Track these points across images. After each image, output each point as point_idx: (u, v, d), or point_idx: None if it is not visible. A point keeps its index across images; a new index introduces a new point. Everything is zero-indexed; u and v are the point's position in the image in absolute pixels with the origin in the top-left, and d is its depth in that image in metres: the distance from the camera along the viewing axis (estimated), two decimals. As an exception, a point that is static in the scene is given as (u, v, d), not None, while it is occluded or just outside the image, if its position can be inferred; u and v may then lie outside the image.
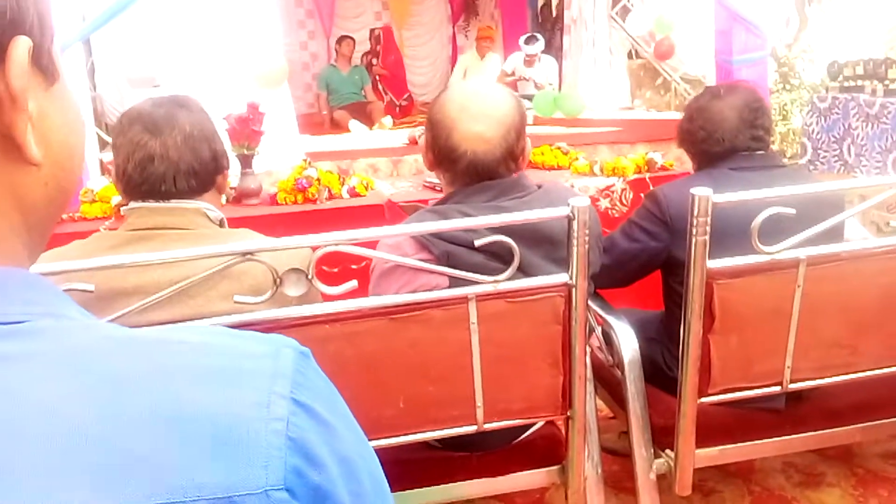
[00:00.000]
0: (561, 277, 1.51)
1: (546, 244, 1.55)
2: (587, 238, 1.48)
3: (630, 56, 7.65)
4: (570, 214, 1.46)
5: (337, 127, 6.63)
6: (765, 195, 1.55)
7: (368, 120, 6.68)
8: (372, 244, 1.54)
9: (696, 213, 1.51)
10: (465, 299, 1.48)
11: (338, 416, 0.52)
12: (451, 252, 1.49)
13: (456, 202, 1.56)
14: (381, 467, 0.58)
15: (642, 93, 7.55)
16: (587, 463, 1.75)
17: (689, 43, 6.98)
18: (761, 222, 1.52)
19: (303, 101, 7.99)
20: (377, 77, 7.71)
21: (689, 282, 1.57)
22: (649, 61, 7.32)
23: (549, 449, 1.79)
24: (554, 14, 8.62)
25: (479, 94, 1.58)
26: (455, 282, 1.49)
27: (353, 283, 1.49)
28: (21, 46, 0.46)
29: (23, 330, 0.45)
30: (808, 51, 6.79)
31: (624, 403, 1.86)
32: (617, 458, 2.33)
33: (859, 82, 4.57)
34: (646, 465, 1.81)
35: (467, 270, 1.46)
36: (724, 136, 1.90)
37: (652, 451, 1.82)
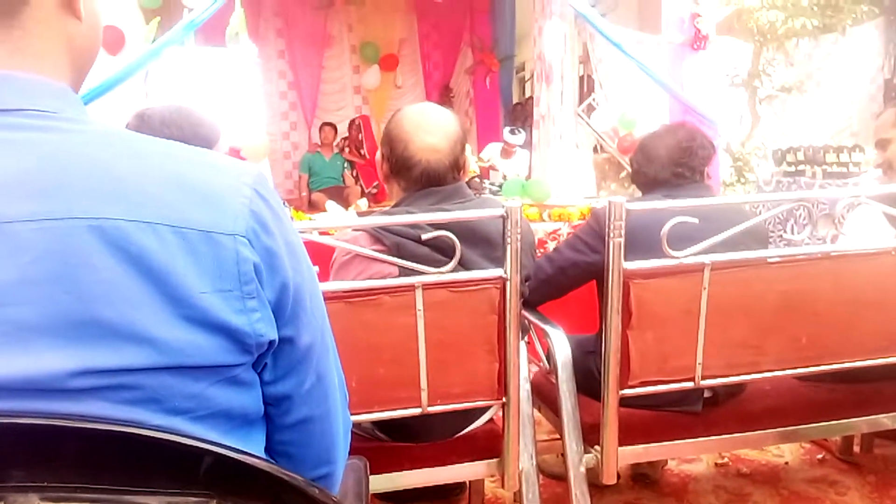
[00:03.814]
0: (497, 272, 1.73)
1: (483, 244, 1.78)
2: (520, 236, 1.71)
3: (595, 150, 8.06)
4: (505, 214, 1.69)
5: (314, 208, 6.91)
6: (671, 205, 1.80)
7: (345, 202, 6.98)
8: (332, 241, 1.76)
9: (612, 217, 1.75)
10: (412, 287, 1.68)
11: (284, 216, 0.76)
12: (400, 243, 1.72)
13: (405, 206, 1.80)
14: (311, 264, 0.80)
15: (607, 184, 7.92)
16: (523, 454, 1.92)
17: (650, 139, 7.43)
18: (675, 232, 1.76)
19: (282, 187, 8.33)
20: (352, 163, 8.08)
21: (608, 280, 1.79)
22: (613, 155, 7.73)
23: (489, 442, 1.96)
24: (526, 113, 9.12)
25: (429, 112, 1.85)
26: (404, 272, 1.70)
27: (315, 269, 1.70)
28: None
29: (75, 119, 0.68)
30: (762, 147, 7.24)
31: (559, 411, 2.05)
32: (560, 482, 2.48)
33: (801, 167, 4.94)
34: (576, 458, 1.98)
35: (415, 261, 1.69)
36: (649, 170, 2.18)
37: (582, 446, 1.99)
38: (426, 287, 1.69)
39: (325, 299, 1.66)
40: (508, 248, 1.71)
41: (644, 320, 1.83)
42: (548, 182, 6.95)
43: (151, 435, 0.59)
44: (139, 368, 0.62)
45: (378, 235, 1.73)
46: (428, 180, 1.80)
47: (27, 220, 0.60)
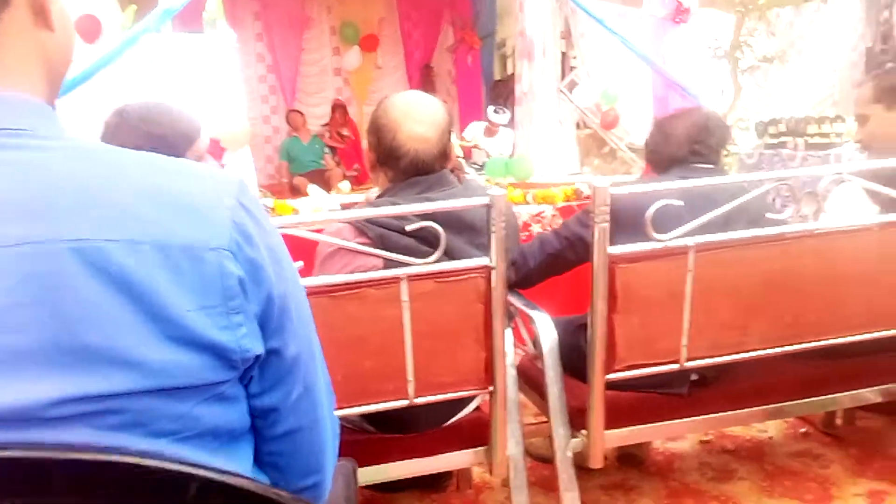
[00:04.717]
0: (482, 260, 1.72)
1: (468, 231, 1.77)
2: (504, 224, 1.71)
3: (578, 126, 8.05)
4: (489, 202, 1.69)
5: (296, 192, 6.87)
6: (655, 188, 1.80)
7: (327, 185, 6.96)
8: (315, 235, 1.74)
9: (596, 202, 1.75)
10: (397, 279, 1.67)
11: (265, 222, 0.75)
12: (384, 235, 1.70)
13: (390, 196, 1.79)
14: (296, 272, 0.79)
15: (590, 160, 7.93)
16: (510, 441, 1.93)
17: (633, 113, 7.43)
18: (664, 216, 1.76)
19: (264, 172, 8.26)
20: (333, 148, 8.03)
21: (593, 265, 1.79)
22: (596, 131, 7.73)
23: (476, 430, 1.96)
24: (508, 90, 9.08)
25: (417, 100, 1.83)
26: (389, 264, 1.69)
27: (300, 264, 1.69)
28: None
29: (51, 135, 0.67)
30: (744, 119, 7.24)
31: (545, 395, 2.05)
32: (547, 466, 2.49)
33: (783, 139, 4.94)
34: (563, 443, 1.99)
35: (399, 253, 1.68)
36: (666, 148, 2.19)
37: (569, 431, 2.00)
38: (411, 278, 1.68)
39: (309, 294, 1.66)
40: (493, 236, 1.70)
41: (629, 304, 1.83)
42: (531, 159, 6.95)
43: (136, 462, 0.58)
44: (124, 393, 0.61)
45: (362, 227, 1.72)
46: (415, 170, 1.78)
47: (9, 246, 0.59)
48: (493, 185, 2.13)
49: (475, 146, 6.81)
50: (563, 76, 7.83)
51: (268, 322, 0.73)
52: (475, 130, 6.97)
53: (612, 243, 1.79)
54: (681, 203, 1.78)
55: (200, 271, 0.66)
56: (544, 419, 2.46)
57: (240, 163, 4.77)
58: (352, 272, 1.70)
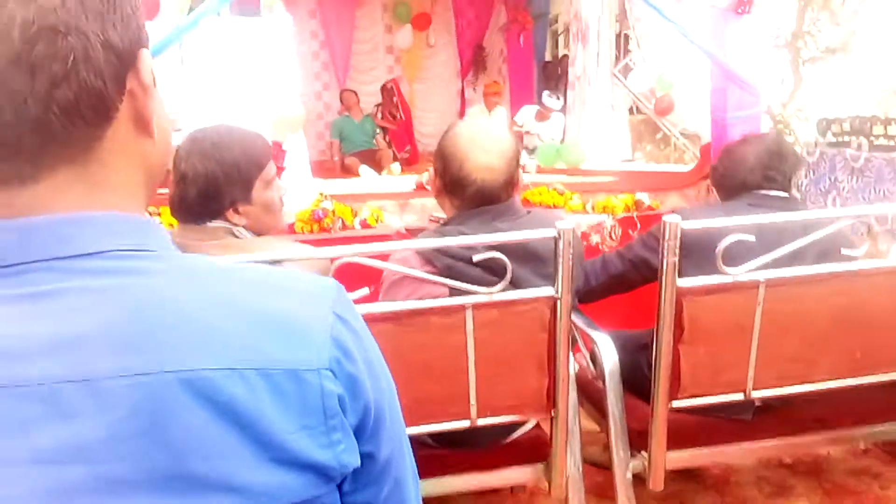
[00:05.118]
0: (548, 291, 1.72)
1: (534, 261, 1.77)
2: (571, 256, 1.70)
3: (631, 112, 7.94)
4: (557, 235, 1.68)
5: (347, 172, 6.90)
6: (727, 224, 1.77)
7: (378, 166, 6.96)
8: (382, 258, 1.75)
9: (666, 237, 1.73)
10: (462, 308, 1.68)
11: (363, 331, 0.75)
12: (451, 266, 1.71)
13: (456, 224, 1.79)
14: (389, 372, 0.80)
15: (643, 146, 7.83)
16: (569, 461, 1.94)
17: (688, 100, 7.28)
18: (734, 250, 1.74)
19: (315, 148, 8.29)
20: (384, 129, 8.02)
21: (661, 298, 1.78)
22: (650, 117, 7.61)
23: (535, 448, 1.99)
24: (559, 71, 8.96)
25: (485, 129, 1.82)
26: (454, 293, 1.70)
27: (366, 290, 1.71)
28: (146, 55, 0.70)
29: (155, 255, 0.68)
30: (803, 109, 7.07)
31: (605, 413, 2.05)
32: (600, 470, 2.50)
33: (846, 138, 4.81)
34: (623, 465, 2.00)
35: (465, 281, 1.68)
36: (737, 174, 2.15)
37: (629, 452, 2.01)
38: (476, 307, 1.69)
39: (376, 319, 1.70)
40: (561, 267, 1.70)
41: (696, 335, 1.82)
42: (582, 146, 6.88)
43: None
44: None
45: (429, 257, 1.72)
46: (482, 200, 1.78)
47: (118, 377, 0.60)
48: (560, 215, 2.12)
49: (527, 132, 6.74)
50: (618, 60, 7.70)
51: (363, 430, 0.73)
52: (527, 115, 6.91)
53: (679, 273, 1.77)
54: (752, 238, 1.75)
55: (302, 393, 0.66)
56: (599, 430, 2.47)
57: (295, 149, 4.80)
58: (418, 300, 1.71)
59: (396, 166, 6.90)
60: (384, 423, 0.76)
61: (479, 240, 1.68)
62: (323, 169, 6.90)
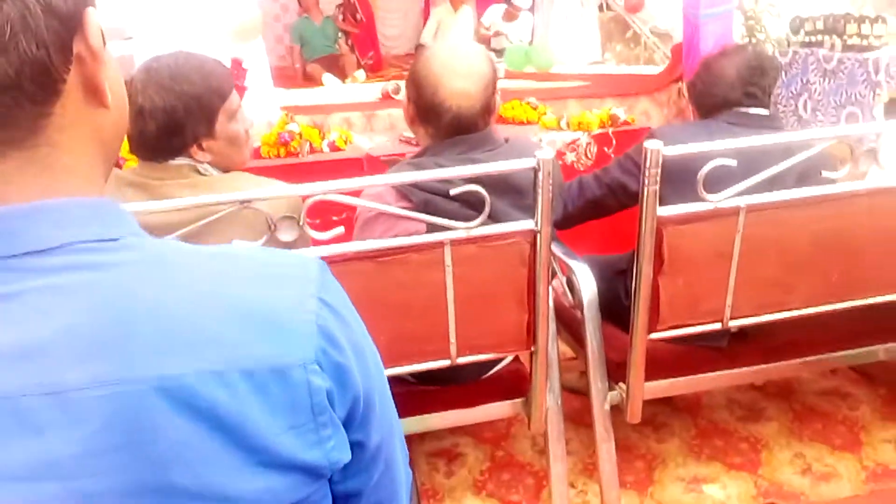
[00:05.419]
0: (527, 224, 1.67)
1: (513, 193, 1.71)
2: (551, 188, 1.64)
3: (601, 9, 7.73)
4: (536, 166, 1.61)
5: (310, 80, 6.68)
6: (709, 148, 1.71)
7: (341, 73, 6.74)
8: (356, 193, 1.69)
9: (647, 164, 1.67)
10: (441, 244, 1.63)
11: (349, 313, 0.70)
12: (428, 200, 1.65)
13: (432, 155, 1.71)
14: (377, 352, 0.76)
15: (612, 46, 7.67)
16: (548, 395, 1.94)
17: (659, -3, 7.11)
18: (712, 173, 1.69)
19: (274, 53, 7.94)
20: (346, 32, 7.73)
21: (640, 228, 1.74)
22: (620, 14, 7.42)
23: (514, 383, 1.98)
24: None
25: (460, 53, 1.73)
26: (432, 228, 1.64)
27: (340, 229, 1.64)
28: (93, 14, 0.61)
29: (119, 245, 0.61)
30: (774, 5, 6.92)
31: (583, 342, 2.04)
32: (577, 396, 2.52)
33: (819, 37, 4.72)
34: (601, 396, 2.00)
35: (443, 217, 1.62)
36: (717, 90, 2.08)
37: (607, 383, 2.01)
38: (455, 243, 1.64)
39: (352, 258, 1.65)
40: (540, 199, 1.64)
41: (675, 266, 1.79)
42: (551, 46, 6.71)
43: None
44: None
45: (405, 191, 1.66)
46: (458, 128, 1.70)
47: (88, 388, 0.55)
48: (540, 144, 2.04)
49: (496, 33, 6.55)
50: (587, -46, 7.44)
51: (352, 420, 0.70)
52: (494, 14, 6.70)
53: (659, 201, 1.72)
54: (734, 163, 1.70)
55: (289, 392, 0.62)
56: (575, 357, 2.48)
57: (255, 60, 4.60)
58: (394, 236, 1.66)
59: (361, 73, 6.69)
60: (374, 409, 0.72)
61: (457, 172, 1.62)
62: (284, 77, 6.67)
